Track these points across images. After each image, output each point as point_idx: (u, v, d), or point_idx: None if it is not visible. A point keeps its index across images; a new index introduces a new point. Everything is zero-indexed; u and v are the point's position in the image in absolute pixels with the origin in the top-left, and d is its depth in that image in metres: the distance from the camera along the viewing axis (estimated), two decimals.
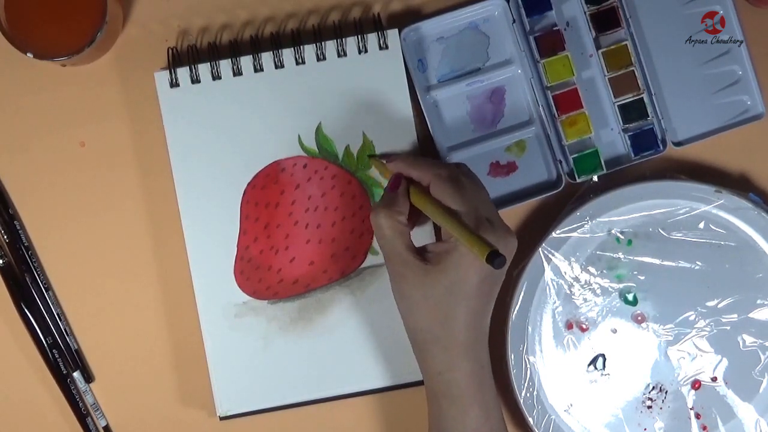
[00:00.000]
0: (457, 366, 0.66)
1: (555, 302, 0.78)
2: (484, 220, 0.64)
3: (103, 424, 0.79)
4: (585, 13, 0.78)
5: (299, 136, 0.76)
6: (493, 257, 0.59)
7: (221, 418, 0.77)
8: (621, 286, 0.78)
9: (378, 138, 0.76)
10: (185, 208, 0.76)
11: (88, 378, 0.79)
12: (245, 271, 0.76)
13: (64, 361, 0.78)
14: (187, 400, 0.79)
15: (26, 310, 0.77)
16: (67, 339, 0.78)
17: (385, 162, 0.73)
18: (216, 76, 0.76)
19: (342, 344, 0.77)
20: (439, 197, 0.66)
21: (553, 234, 0.77)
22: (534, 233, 0.78)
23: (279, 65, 0.76)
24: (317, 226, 0.77)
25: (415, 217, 0.71)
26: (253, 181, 0.76)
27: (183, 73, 0.76)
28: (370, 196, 0.77)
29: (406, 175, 0.70)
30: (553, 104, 0.77)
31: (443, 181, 0.66)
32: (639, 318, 0.78)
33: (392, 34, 0.76)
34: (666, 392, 0.78)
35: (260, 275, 0.76)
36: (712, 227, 0.78)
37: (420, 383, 0.76)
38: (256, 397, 0.77)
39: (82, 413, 0.78)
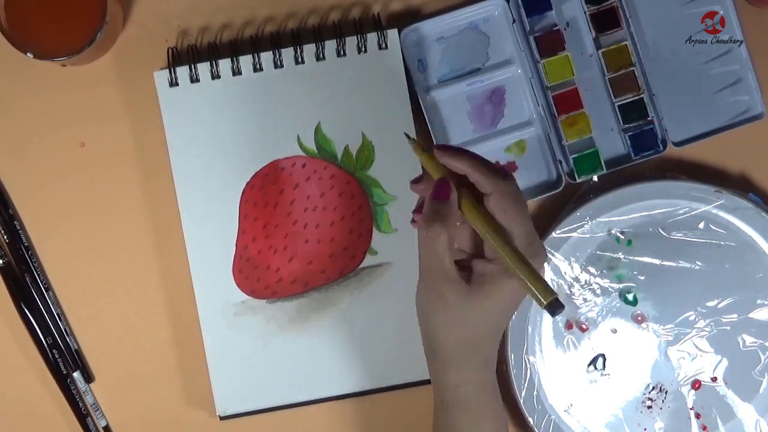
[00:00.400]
0: (477, 379, 0.63)
1: None
2: (530, 241, 0.60)
3: (103, 424, 0.79)
4: (585, 13, 0.78)
5: (298, 136, 0.76)
6: (555, 306, 0.57)
7: (221, 418, 0.77)
8: (621, 286, 0.78)
9: (377, 138, 0.76)
10: (185, 208, 0.76)
11: (88, 378, 0.79)
12: (244, 271, 0.76)
13: (64, 361, 0.78)
14: (187, 399, 0.79)
15: (26, 310, 0.77)
16: (67, 339, 0.78)
17: (435, 152, 0.62)
18: (215, 76, 0.76)
19: (340, 344, 0.77)
20: (493, 212, 0.60)
21: (553, 234, 0.77)
22: None
23: (278, 65, 0.76)
24: (316, 225, 0.77)
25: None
26: (252, 181, 0.76)
27: (182, 72, 0.76)
28: (369, 196, 0.77)
29: (463, 175, 0.61)
30: (553, 104, 0.77)
31: (505, 197, 0.59)
32: (639, 318, 0.78)
33: (392, 34, 0.76)
34: (666, 392, 0.78)
35: (259, 274, 0.76)
36: (712, 227, 0.78)
37: (417, 383, 0.76)
38: (255, 397, 0.77)
39: (82, 413, 0.78)
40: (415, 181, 0.64)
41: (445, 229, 0.59)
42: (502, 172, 0.61)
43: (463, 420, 0.64)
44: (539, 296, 0.57)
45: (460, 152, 0.61)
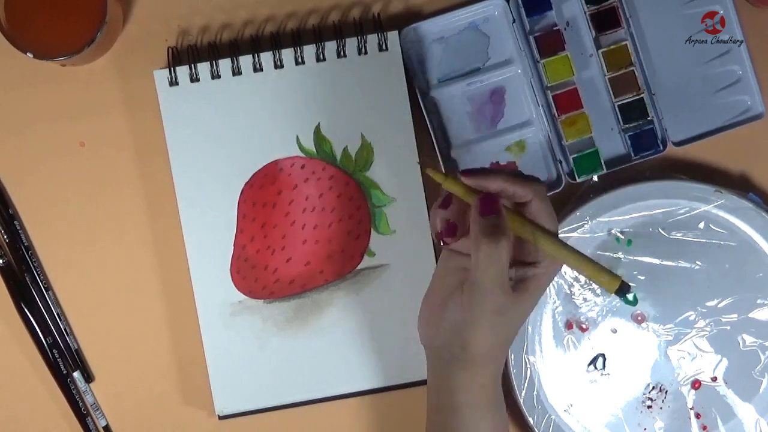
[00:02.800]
0: (494, 379, 0.64)
1: (555, 302, 0.78)
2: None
3: (103, 424, 0.79)
4: (585, 13, 0.78)
5: (297, 136, 0.76)
6: (624, 289, 0.59)
7: (220, 417, 0.77)
8: None
9: (376, 140, 0.76)
10: (184, 207, 0.76)
11: (88, 378, 0.79)
12: (241, 270, 0.76)
13: (64, 361, 0.78)
14: (187, 399, 0.79)
15: (26, 310, 0.77)
16: (67, 339, 0.78)
17: (464, 179, 0.61)
18: (215, 76, 0.76)
19: (336, 345, 0.77)
20: (535, 216, 0.61)
21: None
22: None
23: (279, 65, 0.76)
24: (314, 226, 0.77)
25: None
26: (250, 181, 0.76)
27: (182, 71, 0.76)
28: (367, 197, 0.77)
29: (502, 192, 0.61)
30: (553, 104, 0.77)
31: (543, 200, 0.61)
32: (639, 318, 0.78)
33: (392, 36, 0.76)
34: (666, 392, 0.78)
35: (256, 275, 0.76)
36: (712, 227, 0.78)
37: (414, 384, 0.76)
38: (253, 397, 0.77)
39: (82, 413, 0.78)
40: (443, 205, 0.63)
41: (508, 240, 0.59)
42: (532, 177, 0.62)
43: (464, 420, 0.64)
44: (607, 285, 0.60)
45: (487, 171, 0.61)
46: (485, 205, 0.60)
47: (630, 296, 0.78)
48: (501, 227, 0.59)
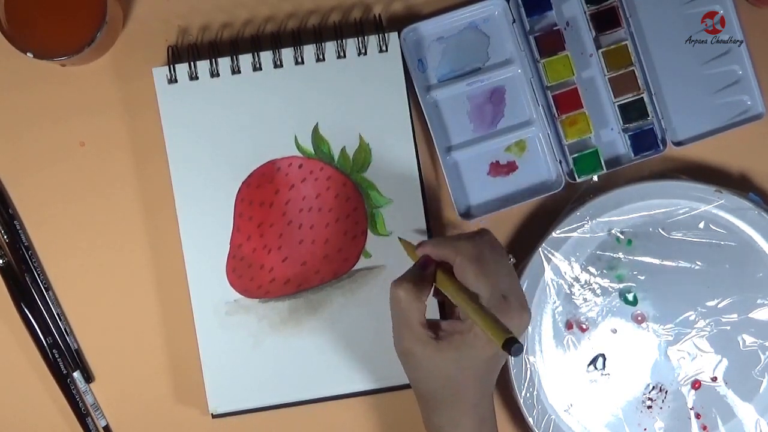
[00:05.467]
0: (462, 423, 0.67)
1: (555, 302, 0.78)
2: (501, 297, 0.64)
3: (103, 424, 0.79)
4: (585, 12, 0.78)
5: (296, 136, 0.76)
6: (511, 344, 0.59)
7: (213, 416, 0.77)
8: (621, 286, 0.78)
9: (374, 141, 0.76)
10: (181, 205, 0.76)
11: (88, 378, 0.79)
12: (237, 269, 0.76)
13: (64, 361, 0.78)
14: (186, 398, 0.79)
15: (26, 310, 0.77)
16: (67, 339, 0.78)
17: (415, 246, 0.71)
18: (214, 74, 0.76)
19: (331, 346, 0.77)
20: (461, 278, 0.66)
21: (553, 234, 0.77)
22: (534, 233, 0.78)
23: (278, 65, 0.76)
24: (311, 226, 0.77)
25: (435, 294, 0.70)
26: (248, 180, 0.76)
27: (182, 69, 0.76)
28: (364, 198, 0.77)
29: (434, 257, 0.69)
30: (553, 104, 0.77)
31: (467, 261, 0.65)
32: (639, 318, 0.78)
33: (392, 38, 0.76)
34: (666, 392, 0.78)
35: (252, 274, 0.76)
36: (712, 227, 0.78)
37: (407, 386, 0.76)
38: (246, 396, 0.77)
39: (82, 413, 0.78)
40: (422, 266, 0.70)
41: (410, 286, 0.66)
42: (471, 235, 0.68)
43: None
44: (494, 337, 0.60)
45: (425, 241, 0.70)
46: (422, 261, 0.68)
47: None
48: (416, 279, 0.66)
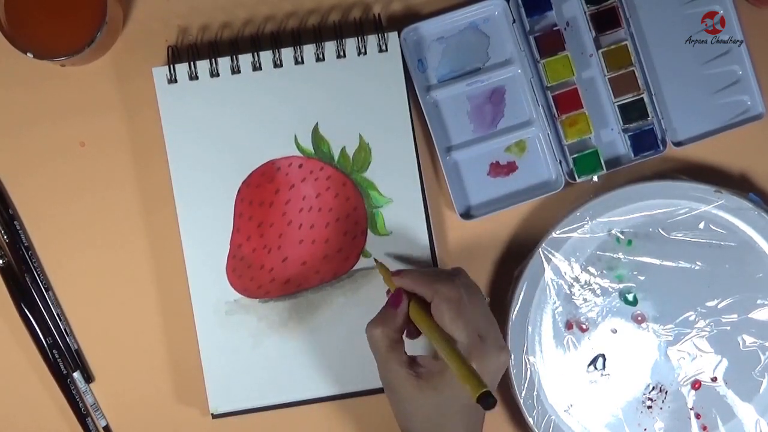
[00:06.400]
0: None
1: (555, 302, 0.78)
2: (477, 339, 0.65)
3: (103, 424, 0.79)
4: (585, 13, 0.78)
5: (295, 136, 0.76)
6: (484, 398, 0.58)
7: (213, 416, 0.77)
8: (621, 286, 0.78)
9: (374, 141, 0.76)
10: (181, 205, 0.76)
11: (88, 378, 0.79)
12: (237, 269, 0.76)
13: (64, 361, 0.78)
14: (186, 398, 0.79)
15: (26, 310, 0.77)
16: (67, 339, 0.78)
17: (392, 274, 0.71)
18: (214, 74, 0.76)
19: (331, 346, 0.77)
20: (438, 319, 0.66)
21: (553, 234, 0.77)
22: (534, 233, 0.78)
23: (278, 64, 0.76)
24: (311, 226, 0.77)
25: (412, 330, 0.70)
26: (248, 180, 0.76)
27: (181, 69, 0.76)
28: (364, 198, 0.77)
29: (410, 291, 0.69)
30: (553, 104, 0.77)
31: (444, 302, 0.66)
32: (639, 318, 0.78)
33: (392, 37, 0.76)
34: (666, 392, 0.78)
35: (252, 274, 0.76)
36: (712, 227, 0.78)
37: None
38: (246, 396, 0.77)
39: (82, 413, 0.78)
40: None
41: (383, 328, 0.67)
42: (448, 275, 0.68)
43: None
44: (470, 390, 0.59)
45: (401, 272, 0.70)
46: (392, 298, 0.69)
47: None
48: (388, 318, 0.68)
